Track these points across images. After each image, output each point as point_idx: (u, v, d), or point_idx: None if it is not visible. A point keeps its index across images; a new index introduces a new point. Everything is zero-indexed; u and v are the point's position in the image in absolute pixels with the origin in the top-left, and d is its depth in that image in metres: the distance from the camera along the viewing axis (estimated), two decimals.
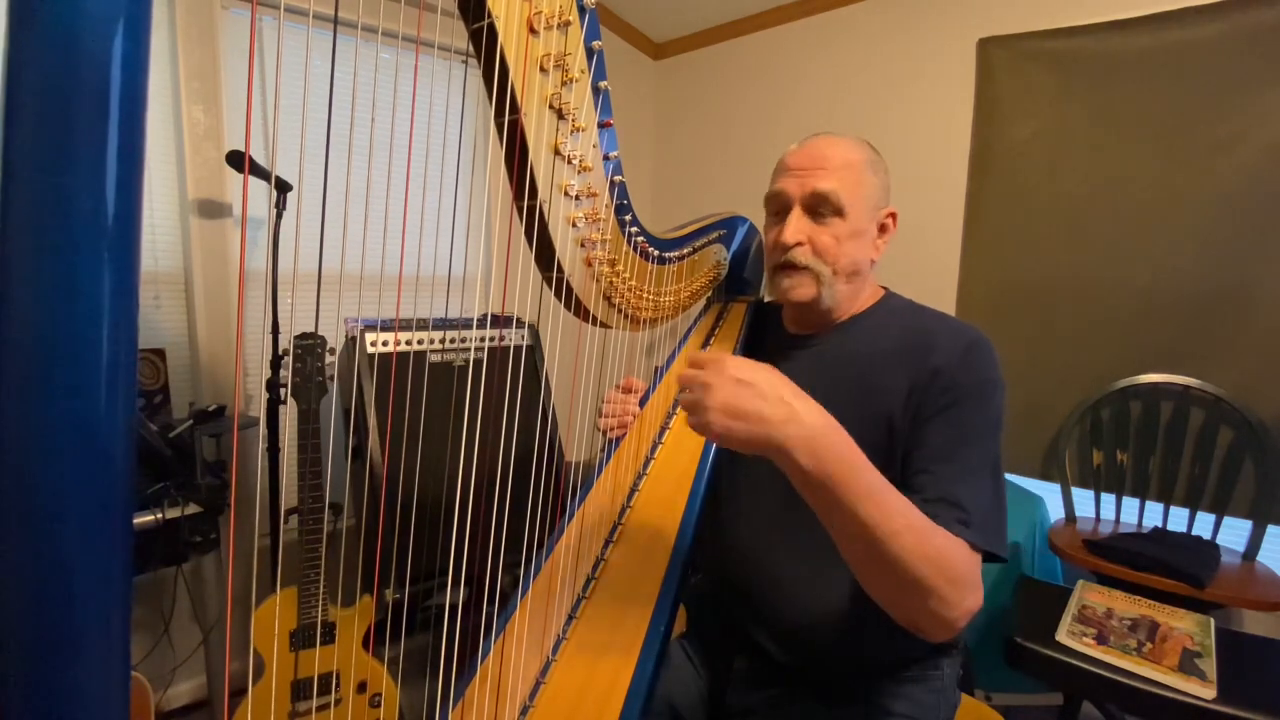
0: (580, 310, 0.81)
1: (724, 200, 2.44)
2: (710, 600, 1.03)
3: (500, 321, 1.78)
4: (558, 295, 0.76)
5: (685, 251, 0.96)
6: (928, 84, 1.99)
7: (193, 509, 1.36)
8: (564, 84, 0.66)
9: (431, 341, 1.66)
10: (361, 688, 1.43)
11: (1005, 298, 1.86)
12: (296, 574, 1.35)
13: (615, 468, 0.95)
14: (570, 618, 0.75)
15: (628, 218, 0.80)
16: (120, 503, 0.34)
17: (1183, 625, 1.32)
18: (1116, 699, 1.23)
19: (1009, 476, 1.83)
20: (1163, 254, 1.62)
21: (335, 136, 0.54)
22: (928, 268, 1.96)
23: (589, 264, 0.77)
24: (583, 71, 0.68)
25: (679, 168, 2.76)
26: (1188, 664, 1.20)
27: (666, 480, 0.90)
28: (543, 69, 0.64)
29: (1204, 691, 1.13)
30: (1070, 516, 1.74)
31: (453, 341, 1.68)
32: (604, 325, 0.86)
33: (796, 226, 0.84)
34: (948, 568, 0.62)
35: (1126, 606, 1.39)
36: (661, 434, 0.98)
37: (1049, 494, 1.80)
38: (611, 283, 0.81)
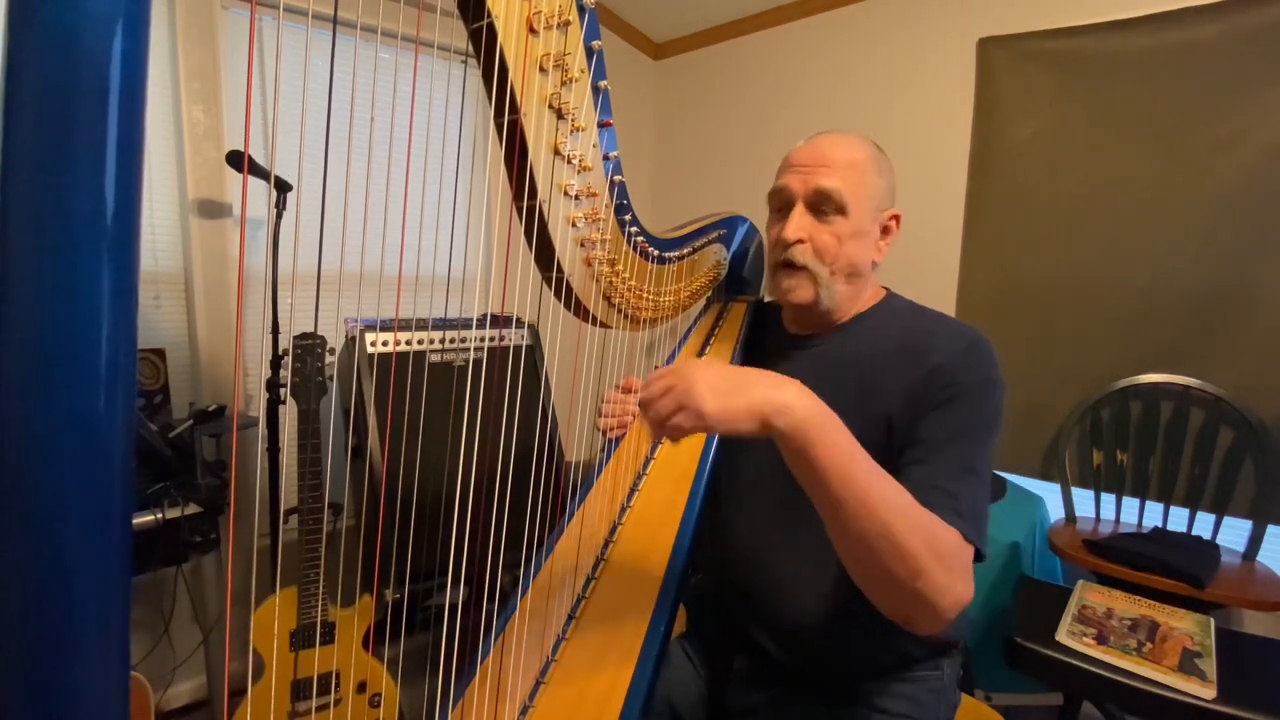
0: (580, 310, 0.81)
1: (724, 200, 2.44)
2: (710, 600, 1.03)
3: (500, 321, 1.78)
4: (557, 295, 0.76)
5: (685, 251, 0.96)
6: (928, 84, 1.99)
7: (193, 509, 1.36)
8: (564, 84, 0.66)
9: (431, 341, 1.66)
10: (361, 688, 1.43)
11: (1005, 298, 1.86)
12: (296, 574, 1.35)
13: (615, 467, 0.95)
14: (570, 618, 0.75)
15: (627, 217, 0.80)
16: (120, 503, 0.34)
17: (1183, 625, 1.31)
18: (1116, 699, 1.23)
19: (1009, 476, 1.84)
20: (1163, 254, 1.62)
21: (335, 136, 0.54)
22: (928, 268, 1.96)
23: (589, 264, 0.77)
24: (582, 71, 0.68)
25: (679, 168, 2.76)
26: (1188, 664, 1.20)
27: (666, 480, 0.90)
28: (542, 69, 0.64)
29: (1204, 691, 1.13)
30: (1070, 516, 1.74)
31: (453, 341, 1.68)
32: (604, 325, 0.86)
33: (798, 223, 0.84)
34: (938, 545, 0.61)
35: (1126, 606, 1.39)
36: None
37: (1049, 494, 1.80)
38: (611, 283, 0.81)
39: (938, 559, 0.60)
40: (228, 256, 1.74)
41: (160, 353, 1.63)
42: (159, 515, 1.32)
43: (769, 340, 1.02)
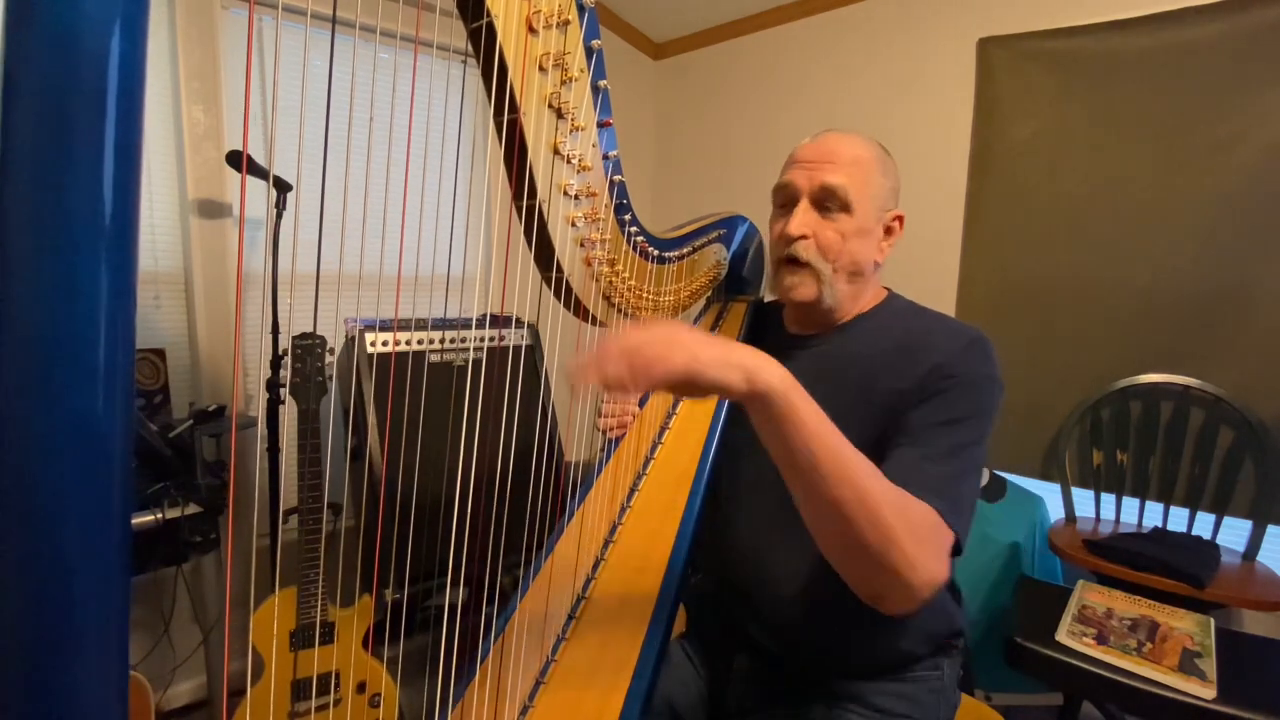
0: (580, 310, 0.81)
1: (723, 200, 2.44)
2: (710, 600, 1.03)
3: (500, 321, 1.78)
4: (557, 295, 0.76)
5: (685, 251, 0.96)
6: (928, 84, 1.99)
7: (193, 509, 1.36)
8: (563, 83, 0.66)
9: (431, 341, 1.66)
10: (361, 688, 1.43)
11: (1005, 298, 1.86)
12: (296, 574, 1.35)
13: (615, 467, 0.95)
14: (570, 618, 0.75)
15: (627, 217, 0.80)
16: (119, 503, 0.34)
17: (1183, 625, 1.31)
18: (1116, 699, 1.23)
19: (1009, 476, 1.84)
20: (1163, 254, 1.62)
21: (334, 136, 0.54)
22: (928, 268, 1.96)
23: (588, 264, 0.77)
24: (582, 70, 0.68)
25: (679, 168, 2.76)
26: (1188, 664, 1.20)
27: (666, 480, 0.90)
28: (542, 68, 0.64)
29: (1204, 691, 1.13)
30: (1070, 516, 1.74)
31: (452, 341, 1.68)
32: (604, 325, 0.86)
33: (802, 219, 0.84)
34: (910, 517, 0.61)
35: (1126, 606, 1.39)
36: (661, 434, 0.98)
37: (1049, 494, 1.80)
38: (611, 282, 0.81)
39: (909, 530, 0.59)
40: (228, 256, 1.74)
41: (160, 353, 1.63)
42: (159, 515, 1.32)
43: (769, 340, 1.02)
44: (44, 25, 0.30)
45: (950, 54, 1.93)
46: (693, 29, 2.58)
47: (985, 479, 1.76)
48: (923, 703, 0.86)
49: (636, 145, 2.78)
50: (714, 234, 1.05)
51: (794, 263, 0.85)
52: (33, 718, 0.33)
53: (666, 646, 0.72)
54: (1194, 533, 1.61)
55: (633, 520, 0.86)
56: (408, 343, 1.62)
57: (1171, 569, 1.43)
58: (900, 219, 0.88)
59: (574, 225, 0.73)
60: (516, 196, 0.68)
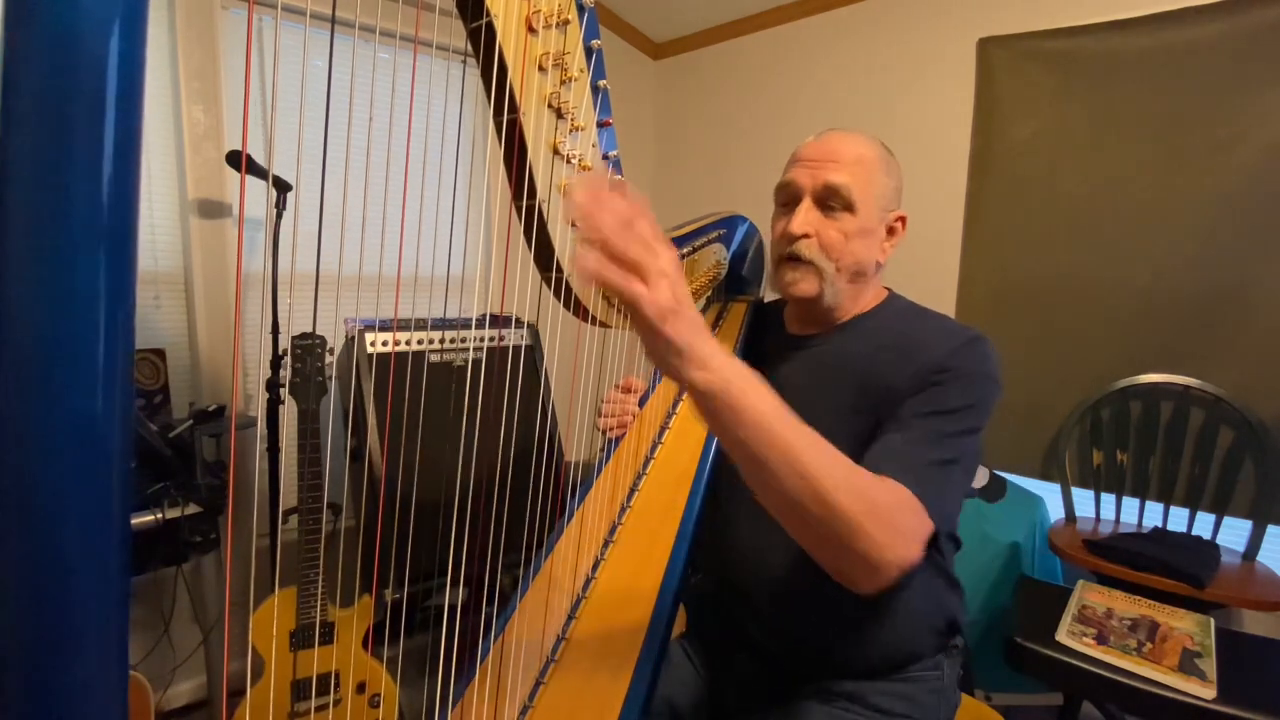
0: (580, 310, 0.81)
1: (724, 200, 2.44)
2: (710, 600, 1.03)
3: (500, 321, 1.78)
4: (557, 295, 0.76)
5: (685, 251, 0.96)
6: (928, 84, 1.99)
7: (193, 509, 1.36)
8: (563, 83, 0.66)
9: (431, 341, 1.66)
10: (361, 688, 1.43)
11: (1005, 298, 1.86)
12: (296, 574, 1.35)
13: (615, 467, 0.95)
14: (570, 618, 0.75)
15: None
16: (119, 503, 0.34)
17: (1183, 625, 1.31)
18: (1116, 699, 1.23)
19: (1009, 476, 1.84)
20: (1163, 254, 1.62)
21: (334, 136, 0.54)
22: (928, 268, 1.96)
23: None
24: (582, 70, 0.68)
25: (679, 168, 2.76)
26: (1188, 664, 1.20)
27: (666, 480, 0.90)
28: (541, 68, 0.64)
29: (1204, 691, 1.13)
30: (1070, 516, 1.74)
31: (452, 341, 1.68)
32: (604, 325, 0.86)
33: (805, 218, 0.84)
34: (876, 500, 0.59)
35: (1126, 606, 1.39)
36: (661, 434, 0.98)
37: (1049, 494, 1.80)
38: None
39: (869, 513, 0.58)
40: (227, 256, 1.74)
41: (160, 353, 1.63)
42: (159, 515, 1.32)
43: (769, 340, 1.02)
44: (44, 25, 0.30)
45: (950, 54, 1.93)
46: (693, 29, 2.58)
47: (985, 479, 1.76)
48: (923, 703, 0.86)
49: (636, 145, 2.78)
50: (714, 234, 1.05)
51: (795, 260, 0.85)
52: (33, 718, 0.33)
53: (666, 647, 0.72)
54: (1194, 533, 1.61)
55: (633, 520, 0.86)
56: (407, 343, 1.62)
57: (1171, 569, 1.43)
58: (903, 219, 0.88)
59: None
60: (516, 196, 0.68)
